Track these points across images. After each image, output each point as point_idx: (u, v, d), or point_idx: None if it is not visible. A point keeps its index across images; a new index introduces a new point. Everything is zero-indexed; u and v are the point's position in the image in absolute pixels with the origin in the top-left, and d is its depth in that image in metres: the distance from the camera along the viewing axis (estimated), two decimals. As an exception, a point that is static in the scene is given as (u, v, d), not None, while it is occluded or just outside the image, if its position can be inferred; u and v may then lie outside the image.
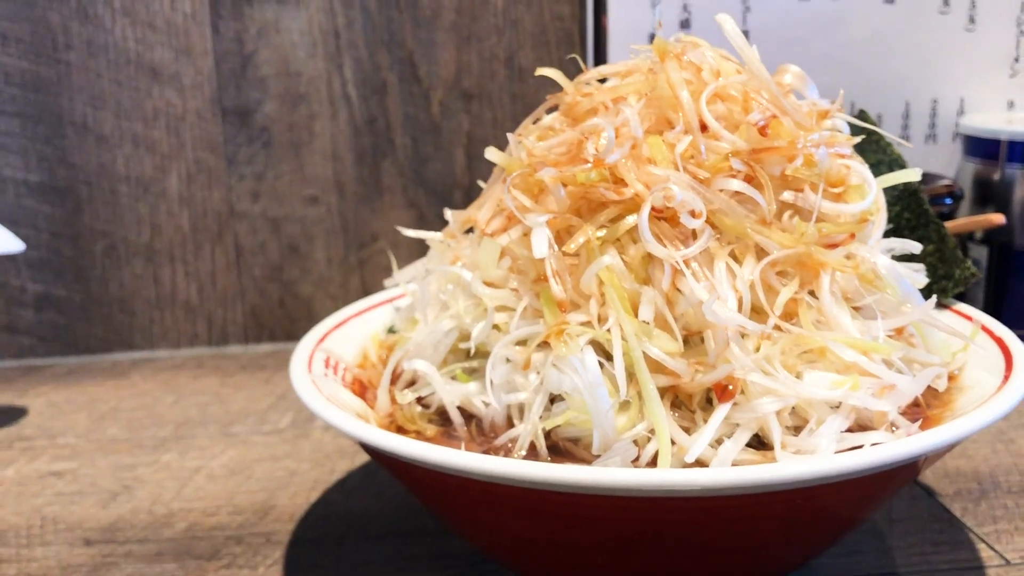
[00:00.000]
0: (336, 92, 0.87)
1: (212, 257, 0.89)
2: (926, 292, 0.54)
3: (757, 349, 0.42)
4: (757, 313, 0.43)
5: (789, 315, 0.44)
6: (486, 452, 0.43)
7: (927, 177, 0.84)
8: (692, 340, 0.43)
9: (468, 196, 0.90)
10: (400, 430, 0.46)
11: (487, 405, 0.45)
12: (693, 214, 0.43)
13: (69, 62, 0.84)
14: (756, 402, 0.40)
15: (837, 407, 0.41)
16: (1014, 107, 0.93)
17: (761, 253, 0.44)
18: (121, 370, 0.87)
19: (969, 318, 0.53)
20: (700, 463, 0.39)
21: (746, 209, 0.44)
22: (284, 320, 0.91)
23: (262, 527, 0.58)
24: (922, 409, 0.45)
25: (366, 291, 0.91)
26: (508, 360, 0.44)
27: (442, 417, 0.47)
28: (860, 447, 0.39)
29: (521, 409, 0.44)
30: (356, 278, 0.91)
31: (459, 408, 0.46)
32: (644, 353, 0.41)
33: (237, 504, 0.61)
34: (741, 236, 0.44)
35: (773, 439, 0.40)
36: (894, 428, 0.42)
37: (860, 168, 0.47)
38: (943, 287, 0.56)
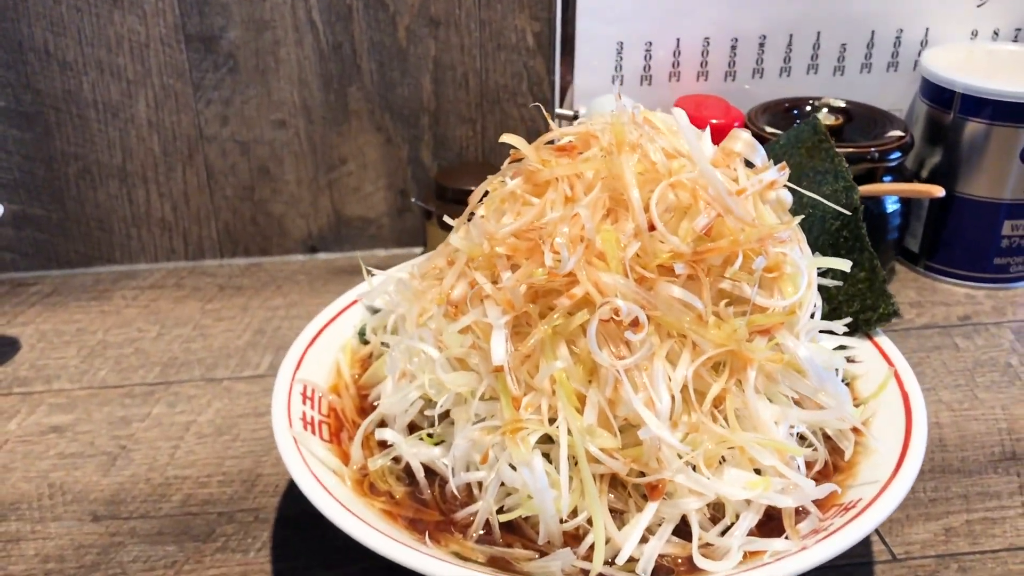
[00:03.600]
0: (301, 18, 0.86)
1: (184, 178, 0.91)
2: (851, 323, 0.60)
3: (685, 437, 0.48)
4: (688, 403, 0.49)
5: (719, 400, 0.50)
6: (449, 522, 0.50)
7: (881, 119, 0.87)
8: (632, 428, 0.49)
9: (435, 121, 0.91)
10: (372, 488, 0.52)
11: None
12: (636, 323, 0.47)
13: (25, -12, 0.82)
14: (681, 501, 0.47)
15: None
16: (977, 37, 0.94)
17: (697, 346, 0.49)
18: (103, 288, 0.91)
19: (887, 357, 0.59)
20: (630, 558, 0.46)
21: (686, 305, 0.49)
22: (257, 236, 0.95)
23: (250, 502, 0.65)
24: (829, 471, 0.52)
25: (336, 211, 0.94)
26: (470, 438, 0.50)
27: (410, 475, 0.53)
28: (763, 552, 0.46)
29: (480, 484, 0.50)
30: (326, 198, 0.94)
31: (426, 467, 0.52)
32: (586, 449, 0.47)
33: (227, 471, 0.68)
34: (679, 332, 0.49)
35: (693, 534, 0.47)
36: (802, 512, 0.49)
37: (795, 257, 0.51)
38: (867, 318, 0.61)
